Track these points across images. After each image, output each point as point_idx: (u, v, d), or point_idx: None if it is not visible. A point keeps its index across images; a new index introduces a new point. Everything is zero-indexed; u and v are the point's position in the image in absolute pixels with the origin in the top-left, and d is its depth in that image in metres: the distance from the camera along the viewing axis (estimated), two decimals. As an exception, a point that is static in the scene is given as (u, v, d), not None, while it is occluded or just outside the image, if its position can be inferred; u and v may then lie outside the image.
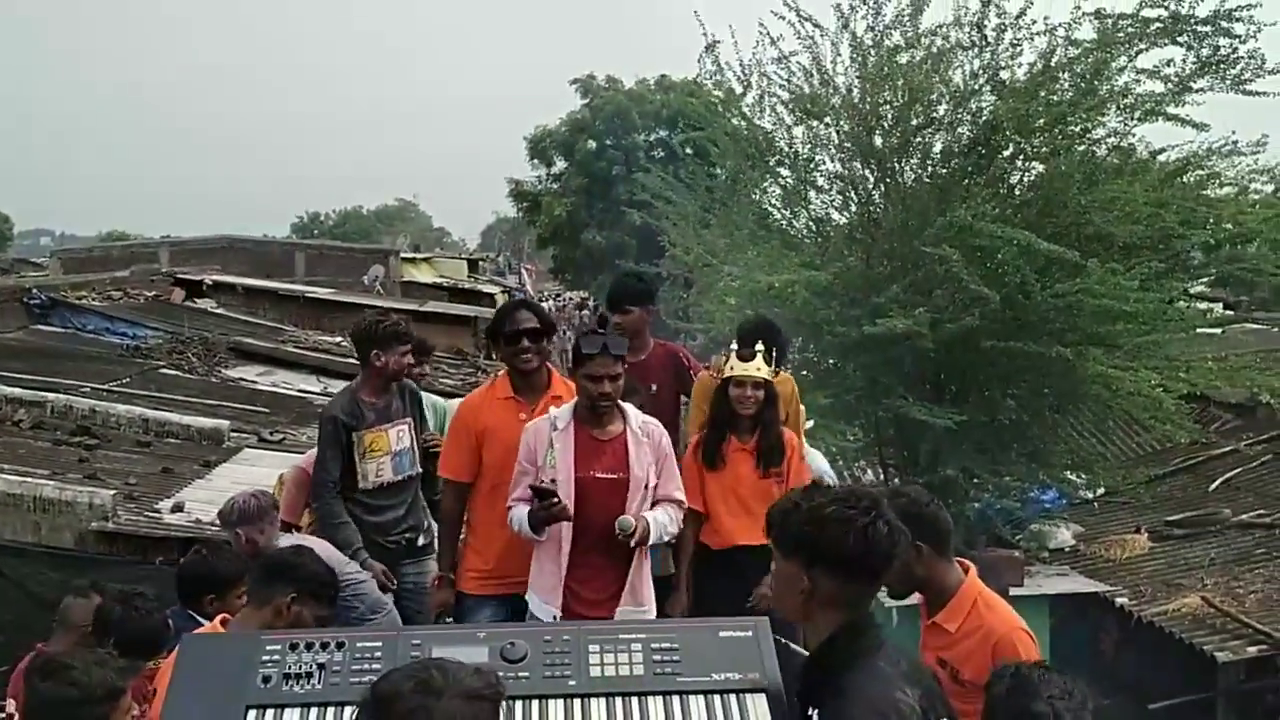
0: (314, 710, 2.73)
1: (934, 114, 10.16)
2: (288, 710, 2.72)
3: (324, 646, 2.84)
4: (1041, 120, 9.88)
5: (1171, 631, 8.94)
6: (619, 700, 2.81)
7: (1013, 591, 8.42)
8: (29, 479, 7.72)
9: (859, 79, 10.44)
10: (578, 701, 2.80)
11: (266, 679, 2.77)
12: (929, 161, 10.44)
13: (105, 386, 11.71)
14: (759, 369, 4.72)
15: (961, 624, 3.25)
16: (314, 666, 2.79)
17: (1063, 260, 9.27)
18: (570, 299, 46.31)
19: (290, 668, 2.79)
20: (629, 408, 4.28)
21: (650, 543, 4.16)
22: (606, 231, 30.72)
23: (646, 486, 4.16)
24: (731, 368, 4.76)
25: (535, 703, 2.78)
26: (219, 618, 3.58)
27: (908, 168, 10.48)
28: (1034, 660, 3.09)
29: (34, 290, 15.92)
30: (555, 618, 4.03)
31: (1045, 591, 9.52)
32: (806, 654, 2.58)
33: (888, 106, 10.20)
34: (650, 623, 3.71)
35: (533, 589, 4.20)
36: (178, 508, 7.96)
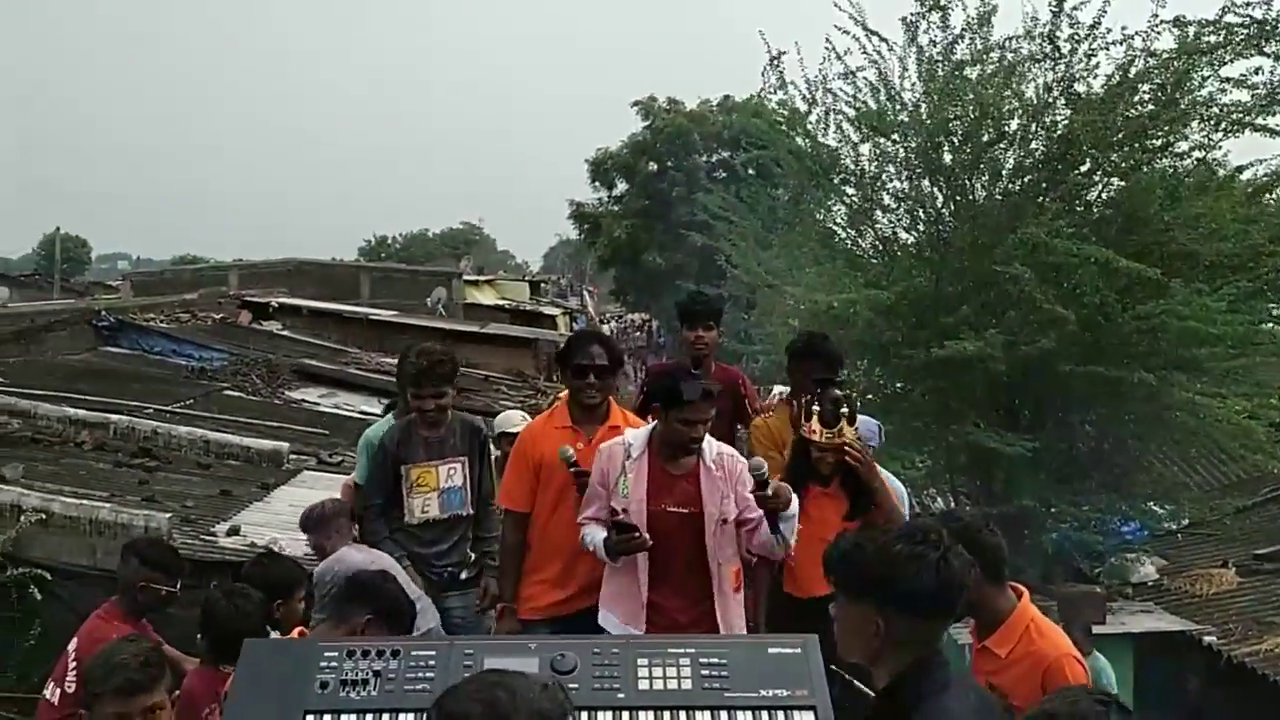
0: (369, 716, 2.78)
1: (1005, 128, 9.75)
2: (344, 716, 2.79)
3: (379, 654, 2.90)
4: (1120, 134, 9.45)
5: (1264, 673, 8.46)
6: (666, 714, 2.81)
7: (1095, 630, 7.97)
8: (86, 501, 7.70)
9: (926, 94, 10.09)
10: (625, 714, 2.80)
11: (324, 685, 2.83)
12: (1000, 178, 10.02)
13: (168, 408, 11.76)
14: (843, 434, 4.43)
15: (1012, 649, 3.24)
16: (370, 674, 2.85)
17: (1145, 280, 8.82)
18: (631, 320, 46.27)
19: (347, 674, 2.85)
20: (706, 439, 4.19)
21: (788, 514, 4.02)
22: (667, 253, 30.60)
23: (724, 521, 4.08)
24: (813, 431, 4.46)
25: (584, 715, 2.77)
26: (296, 631, 3.75)
27: (978, 184, 10.08)
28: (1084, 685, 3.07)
29: (102, 312, 16.16)
30: None
31: (1129, 630, 9.00)
32: (871, 693, 2.51)
33: (957, 122, 9.83)
34: (698, 638, 3.57)
35: (608, 609, 4.19)
36: (234, 531, 7.89)
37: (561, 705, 1.82)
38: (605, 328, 44.65)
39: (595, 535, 4.13)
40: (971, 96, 9.71)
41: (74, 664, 4.42)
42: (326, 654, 2.90)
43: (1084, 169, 9.77)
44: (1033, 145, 9.79)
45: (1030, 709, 2.58)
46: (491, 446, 5.39)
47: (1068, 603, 8.54)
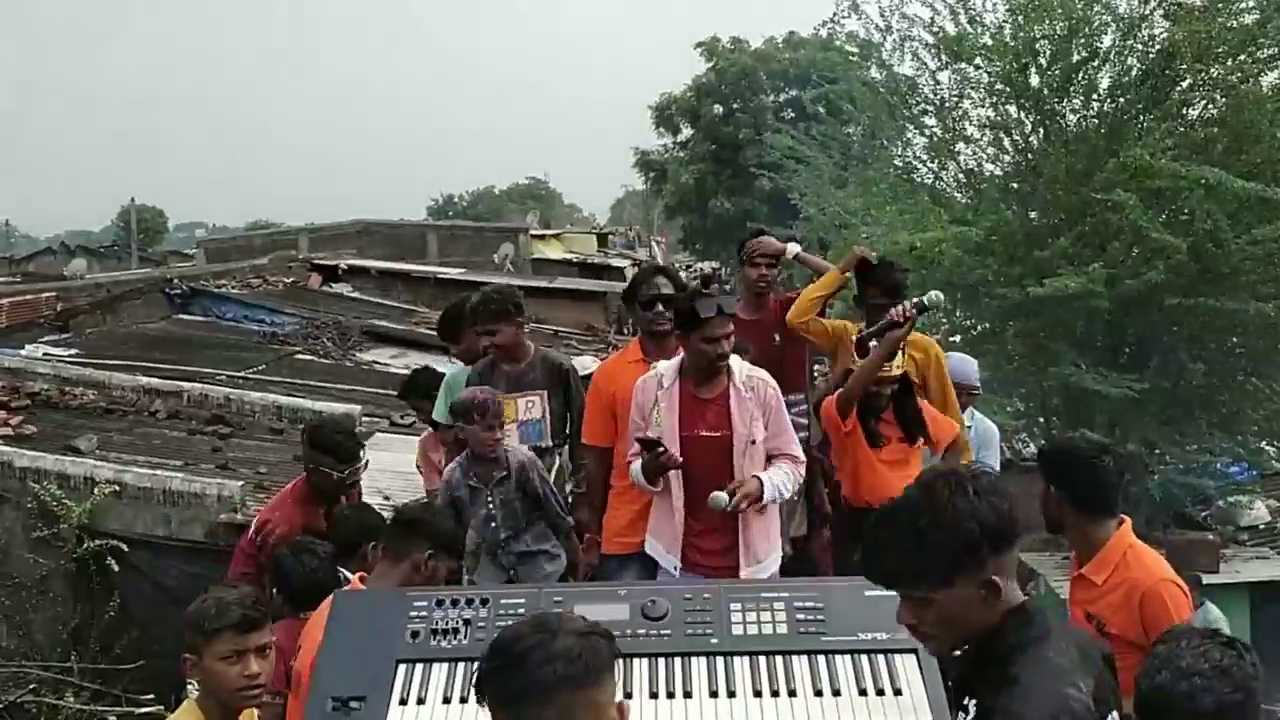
0: (460, 665, 2.79)
1: (1098, 45, 8.97)
2: (435, 664, 2.82)
3: (469, 603, 2.91)
4: (1225, 45, 8.65)
5: (1395, 621, 7.88)
6: (762, 659, 2.76)
7: (1207, 579, 7.48)
8: (159, 471, 7.65)
9: (1011, 12, 9.35)
10: (720, 660, 2.76)
11: (415, 634, 2.87)
12: (1094, 99, 9.27)
13: (241, 374, 11.74)
14: (896, 368, 4.70)
15: (1109, 577, 3.21)
16: (460, 622, 2.88)
17: (1261, 201, 8.07)
18: (700, 269, 45.79)
19: (437, 623, 2.88)
20: (735, 361, 4.26)
21: (765, 502, 4.12)
22: (735, 198, 30.05)
23: (753, 442, 4.14)
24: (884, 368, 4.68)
25: (678, 660, 2.77)
26: (357, 575, 3.65)
27: (1069, 108, 9.37)
28: (1182, 615, 3.07)
29: (175, 280, 16.25)
30: (676, 568, 4.17)
31: (1244, 579, 8.41)
32: None
33: (1044, 41, 9.09)
34: (793, 582, 3.61)
35: (653, 537, 4.32)
36: (307, 496, 7.76)
37: (605, 630, 1.96)
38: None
39: (635, 467, 4.23)
40: (1060, 11, 8.91)
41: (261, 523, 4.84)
42: (416, 603, 2.93)
43: (1185, 85, 8.96)
44: (1129, 62, 9.00)
45: (1150, 653, 2.51)
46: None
47: (1178, 551, 8.05)
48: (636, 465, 4.23)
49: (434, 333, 16.60)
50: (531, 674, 1.85)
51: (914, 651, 2.70)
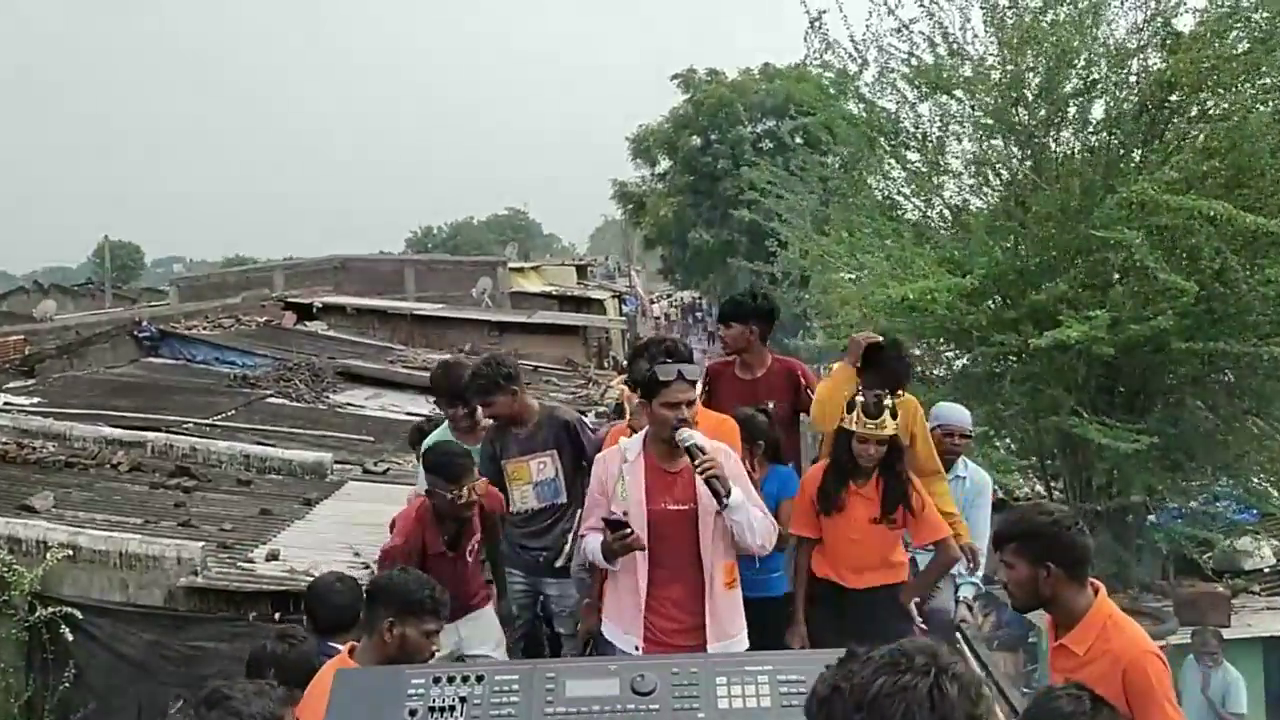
0: None
1: (1093, 76, 8.69)
2: None
3: (464, 680, 2.94)
4: (1225, 74, 8.33)
5: None
6: None
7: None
8: (115, 533, 7.28)
9: (997, 43, 9.08)
10: None
11: (413, 712, 2.88)
12: (1087, 132, 8.98)
13: (208, 421, 11.39)
14: (885, 427, 4.55)
15: (1090, 647, 3.18)
16: (456, 700, 2.89)
17: (1268, 236, 7.75)
18: (681, 299, 45.58)
19: (434, 701, 2.89)
20: (694, 432, 4.11)
21: (728, 500, 3.95)
22: (715, 229, 29.92)
23: (718, 514, 4.04)
24: (856, 420, 4.59)
25: None
26: (346, 647, 3.64)
27: (1060, 140, 9.09)
28: (1164, 688, 3.06)
29: (143, 323, 15.88)
30: (637, 648, 4.05)
31: (1257, 633, 8.05)
32: None
33: (1032, 73, 8.82)
34: (778, 654, 3.51)
35: (609, 619, 4.22)
36: (273, 556, 7.42)
37: None
38: (655, 307, 44.15)
39: (593, 544, 4.14)
40: (1054, 39, 8.53)
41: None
42: (414, 681, 2.96)
43: (1189, 115, 8.61)
44: (1121, 94, 8.68)
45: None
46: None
47: (1187, 604, 7.75)
48: (594, 542, 4.14)
49: (410, 371, 16.49)
50: None
51: None
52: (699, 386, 4.40)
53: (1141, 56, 8.65)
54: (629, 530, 3.98)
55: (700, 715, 2.82)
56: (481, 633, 4.97)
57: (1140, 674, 3.08)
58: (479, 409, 5.38)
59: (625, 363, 5.29)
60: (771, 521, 4.23)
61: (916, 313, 8.29)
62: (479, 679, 2.95)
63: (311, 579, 6.84)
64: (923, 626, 4.85)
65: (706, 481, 3.94)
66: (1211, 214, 7.49)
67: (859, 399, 4.60)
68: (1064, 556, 3.19)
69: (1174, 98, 8.57)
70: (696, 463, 3.94)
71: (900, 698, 1.72)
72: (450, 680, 2.94)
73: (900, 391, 4.87)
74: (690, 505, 4.08)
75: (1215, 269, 7.85)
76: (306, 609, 4.56)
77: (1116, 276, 8.35)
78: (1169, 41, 8.60)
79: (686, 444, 3.96)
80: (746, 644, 4.13)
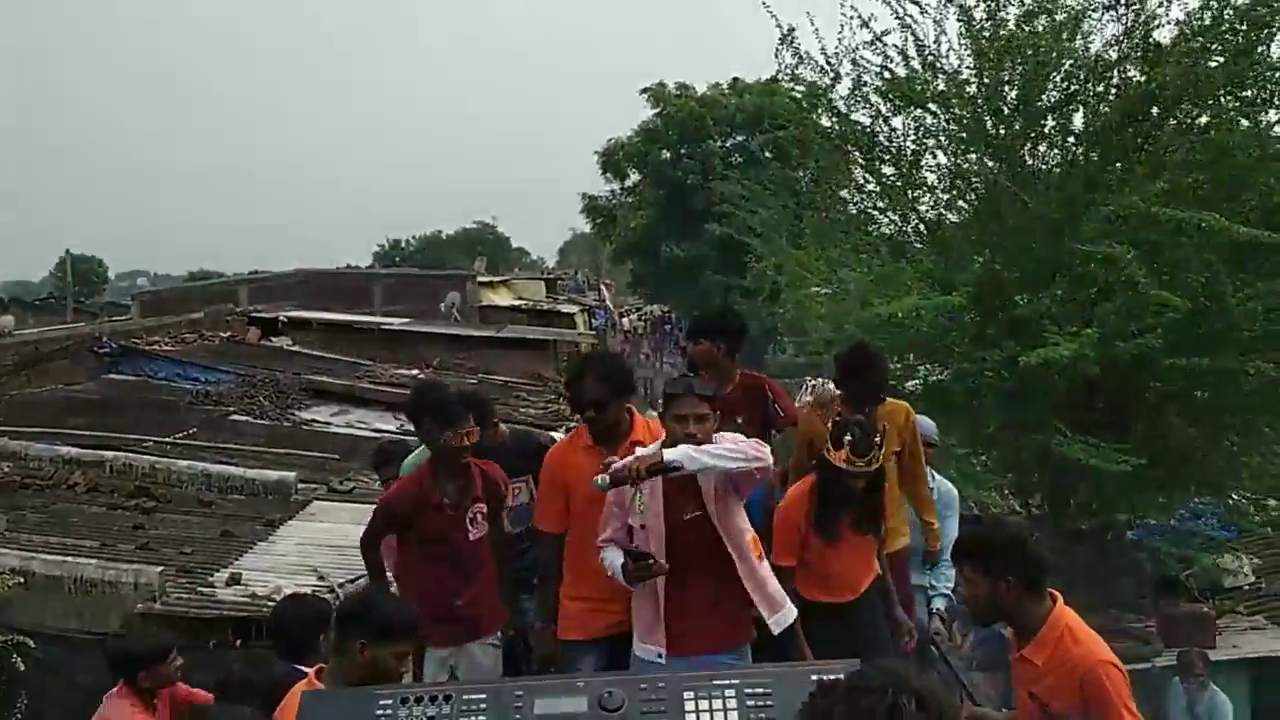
0: None
1: (1072, 88, 8.57)
2: None
3: (432, 700, 2.94)
4: (1209, 86, 8.21)
5: None
6: None
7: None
8: (70, 558, 7.04)
9: (974, 54, 8.97)
10: None
11: None
12: (1066, 144, 8.88)
13: (169, 439, 11.11)
14: (874, 463, 4.55)
15: (1048, 657, 3.23)
16: (424, 719, 2.88)
17: (1258, 248, 7.62)
18: (651, 313, 45.48)
19: None
20: (606, 475, 4.11)
21: (677, 468, 3.95)
22: (685, 243, 29.81)
23: (722, 498, 4.15)
24: (844, 458, 4.53)
25: None
26: (314, 669, 3.59)
27: (1037, 154, 9.00)
28: (1122, 696, 3.08)
29: (104, 339, 15.55)
30: (661, 656, 4.15)
31: (1243, 654, 7.92)
32: None
33: (1009, 85, 8.72)
34: (744, 669, 3.59)
35: (635, 630, 4.27)
36: (234, 580, 7.21)
37: None
38: (624, 321, 44.00)
39: (613, 559, 4.16)
40: (1032, 52, 8.41)
41: None
42: (382, 702, 2.94)
43: (1167, 129, 8.53)
44: (1099, 107, 8.57)
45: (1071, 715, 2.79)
46: None
47: (1172, 625, 7.64)
48: (614, 558, 4.14)
49: (378, 387, 16.24)
50: None
51: None
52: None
53: (1121, 69, 8.56)
54: (652, 560, 4.03)
55: None
56: (480, 668, 4.83)
57: (1097, 683, 3.11)
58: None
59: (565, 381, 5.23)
60: (741, 441, 4.13)
61: (899, 329, 8.13)
62: (446, 699, 2.94)
63: (275, 603, 6.71)
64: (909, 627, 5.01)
65: (651, 471, 3.95)
66: (1203, 226, 7.37)
67: (847, 437, 4.52)
68: (1022, 570, 3.24)
69: (1155, 111, 8.48)
70: (628, 476, 3.96)
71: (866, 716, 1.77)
72: (419, 700, 2.94)
73: (882, 398, 4.90)
74: (700, 512, 4.14)
75: (1202, 282, 7.75)
76: (271, 632, 4.52)
77: (1098, 291, 8.19)
78: (1149, 54, 8.52)
79: (603, 486, 3.98)
80: (792, 616, 4.26)
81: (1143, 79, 8.40)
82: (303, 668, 3.90)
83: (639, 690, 2.91)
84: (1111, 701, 3.10)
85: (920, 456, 5.37)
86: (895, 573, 5.09)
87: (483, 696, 2.93)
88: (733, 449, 4.04)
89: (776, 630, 4.17)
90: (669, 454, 3.93)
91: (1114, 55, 8.56)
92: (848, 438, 4.52)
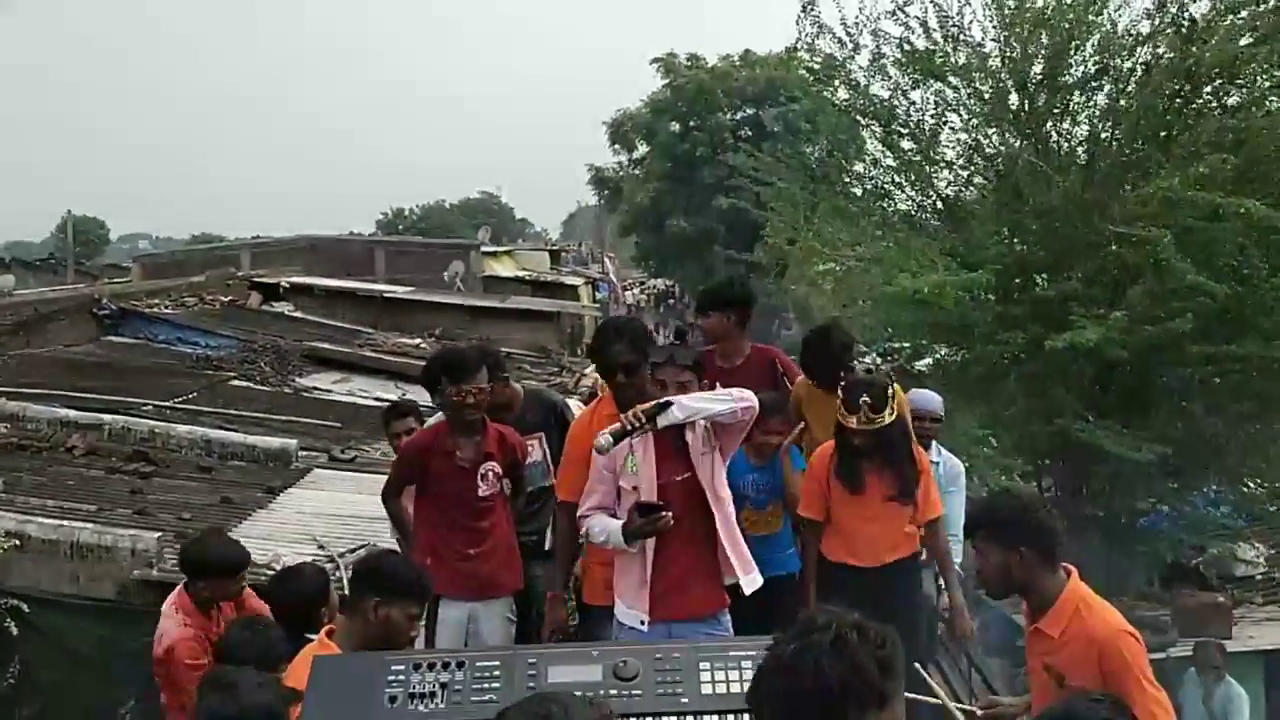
0: None
1: (1102, 63, 8.29)
2: None
3: (445, 666, 2.94)
4: (1249, 66, 7.92)
5: None
6: (730, 717, 2.82)
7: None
8: (66, 522, 6.90)
9: (1000, 26, 8.69)
10: (690, 719, 2.83)
11: (393, 699, 2.88)
12: (1095, 121, 8.63)
13: (168, 404, 10.96)
14: (874, 422, 4.64)
15: (1064, 629, 3.24)
16: (436, 686, 2.90)
17: None
18: (655, 287, 45.26)
19: (414, 687, 2.89)
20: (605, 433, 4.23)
21: (680, 419, 4.09)
22: (692, 217, 29.52)
23: (708, 452, 4.24)
24: (842, 415, 4.71)
25: None
26: (325, 629, 3.64)
27: (1061, 131, 8.77)
28: (1140, 666, 3.10)
29: (104, 300, 15.36)
30: (643, 623, 4.18)
31: (1259, 646, 7.74)
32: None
33: (1035, 60, 8.45)
34: (762, 640, 3.31)
35: (618, 595, 4.31)
36: (233, 548, 7.06)
37: (609, 714, 1.95)
38: (628, 295, 43.79)
39: (605, 524, 4.20)
40: (1068, 22, 8.16)
41: None
42: (393, 667, 2.95)
43: (1199, 108, 8.29)
44: (1127, 85, 8.31)
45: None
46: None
47: (1187, 615, 7.52)
48: (604, 523, 4.21)
49: (380, 355, 16.09)
50: None
51: None
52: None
53: (1153, 44, 8.27)
54: (663, 514, 4.05)
55: (684, 700, 2.86)
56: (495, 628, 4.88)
57: (1115, 653, 3.11)
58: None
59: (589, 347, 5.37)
60: (725, 394, 4.28)
61: (922, 306, 7.94)
62: (459, 665, 2.95)
63: (273, 573, 6.58)
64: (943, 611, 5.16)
65: (649, 416, 4.03)
66: (1242, 211, 7.13)
67: (839, 395, 4.73)
68: (1034, 540, 3.25)
69: (1187, 89, 8.21)
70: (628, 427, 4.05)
71: (808, 654, 1.87)
72: (430, 666, 2.95)
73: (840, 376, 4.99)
74: (689, 474, 4.22)
75: (1234, 266, 7.56)
76: (271, 599, 4.51)
77: (1125, 273, 7.97)
78: (1184, 29, 8.21)
79: (606, 445, 4.05)
80: (760, 580, 4.31)
81: (1175, 56, 8.07)
82: (309, 635, 3.88)
83: (654, 660, 2.94)
84: (1130, 670, 3.10)
85: (908, 432, 5.24)
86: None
87: (496, 664, 2.94)
88: (719, 394, 4.21)
89: (748, 590, 4.22)
90: (676, 412, 4.03)
91: (1146, 29, 8.28)
92: (840, 394, 4.70)
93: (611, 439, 4.04)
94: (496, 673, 2.91)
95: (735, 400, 4.15)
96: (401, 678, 2.91)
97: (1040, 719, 2.70)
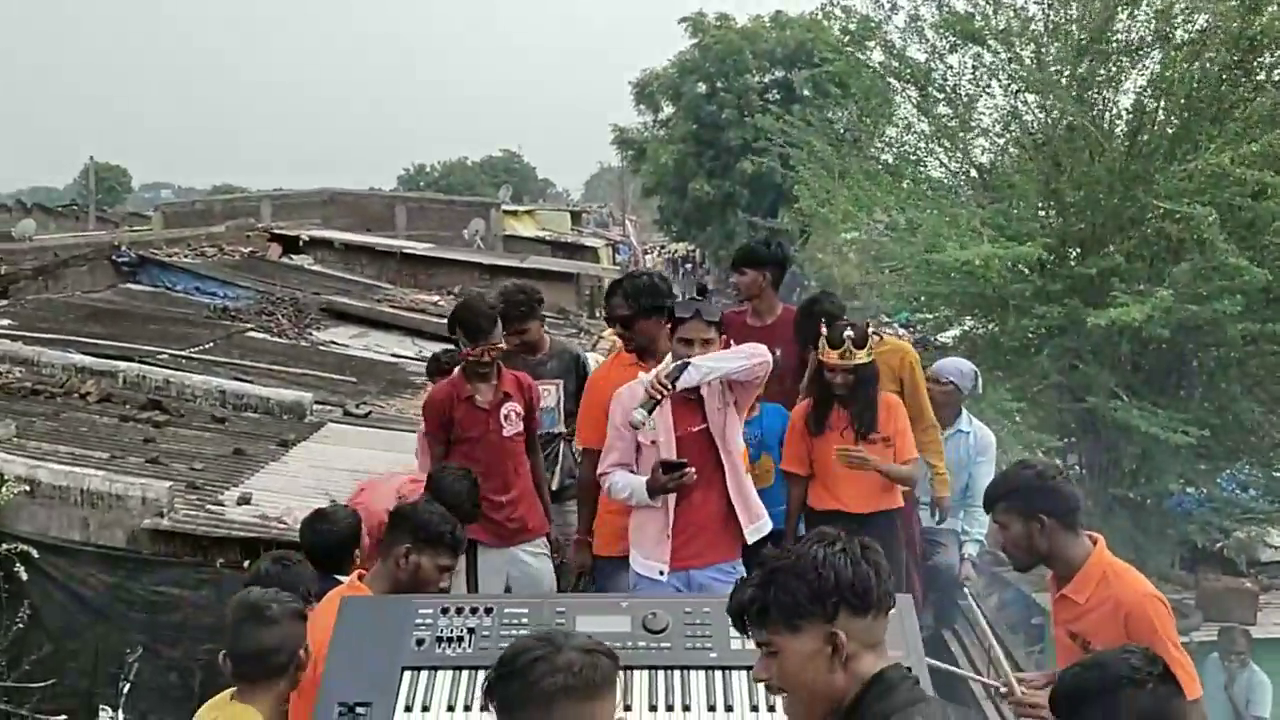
0: (465, 672, 2.85)
1: (1169, 31, 7.87)
2: (440, 672, 2.87)
3: (473, 611, 2.96)
4: None
5: None
6: None
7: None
8: (76, 468, 6.83)
9: None
10: (719, 674, 2.83)
11: (420, 642, 2.92)
12: (1140, 93, 8.32)
13: (184, 353, 10.89)
14: (849, 357, 4.80)
15: (1090, 595, 3.24)
16: (464, 630, 2.93)
17: None
18: (676, 251, 44.96)
19: (442, 631, 2.93)
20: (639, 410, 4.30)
21: (698, 380, 4.16)
22: (716, 180, 29.19)
23: (725, 431, 4.33)
24: (824, 352, 4.85)
25: (677, 674, 2.85)
26: (355, 573, 3.69)
27: (1107, 101, 8.46)
28: (1167, 630, 3.13)
29: (122, 248, 15.29)
30: (662, 573, 4.26)
31: None
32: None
33: (1079, 24, 8.14)
34: None
35: (635, 548, 4.38)
36: (244, 500, 7.00)
37: (608, 648, 2.12)
38: (648, 259, 43.52)
39: (629, 479, 4.28)
40: None
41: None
42: (422, 611, 2.98)
43: (1256, 81, 7.95)
44: (1182, 54, 7.92)
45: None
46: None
47: (1212, 599, 7.38)
48: (628, 479, 4.29)
49: (397, 311, 15.98)
50: (534, 685, 2.00)
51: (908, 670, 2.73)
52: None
53: (1213, 10, 7.89)
54: (686, 470, 4.11)
55: (713, 655, 2.86)
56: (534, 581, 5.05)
57: (1143, 617, 3.13)
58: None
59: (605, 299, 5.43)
60: (740, 351, 4.34)
61: (967, 278, 7.72)
62: (488, 611, 2.97)
63: (284, 525, 6.51)
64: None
65: (664, 387, 4.07)
66: None
67: (824, 331, 4.84)
68: (1055, 507, 3.26)
69: (1249, 59, 7.84)
70: (652, 392, 4.09)
71: (844, 554, 2.02)
72: (459, 611, 2.97)
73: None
74: (703, 425, 4.31)
75: (1278, 245, 7.30)
76: (303, 540, 4.51)
77: (1168, 250, 7.72)
78: None
79: (642, 419, 4.07)
80: (767, 528, 4.43)
81: (1239, 23, 7.70)
82: (338, 577, 4.00)
83: (684, 613, 2.96)
84: (1157, 634, 3.09)
85: (922, 396, 5.48)
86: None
87: (524, 610, 2.99)
88: (735, 352, 4.27)
89: (752, 539, 4.33)
90: (693, 373, 4.10)
91: None
92: (824, 331, 4.84)
93: (645, 413, 4.08)
94: (524, 620, 2.93)
95: (749, 357, 4.23)
96: (430, 621, 2.94)
97: (1066, 672, 2.68)
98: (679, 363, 4.13)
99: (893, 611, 2.75)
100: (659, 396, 4.09)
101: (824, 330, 4.85)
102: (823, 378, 4.91)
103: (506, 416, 5.00)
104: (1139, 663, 2.44)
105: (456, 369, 5.20)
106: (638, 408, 4.08)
